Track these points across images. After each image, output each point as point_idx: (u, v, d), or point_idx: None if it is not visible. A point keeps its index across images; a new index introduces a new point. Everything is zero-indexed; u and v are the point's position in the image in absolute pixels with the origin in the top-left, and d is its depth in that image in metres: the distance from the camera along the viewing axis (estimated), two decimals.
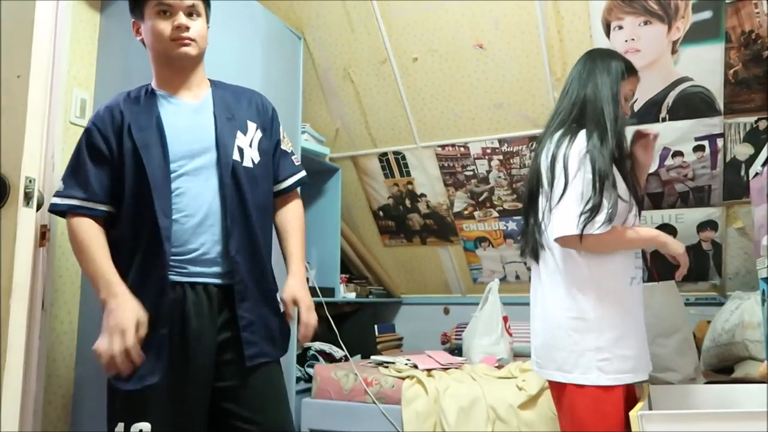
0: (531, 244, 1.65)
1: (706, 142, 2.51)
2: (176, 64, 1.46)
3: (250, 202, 1.45)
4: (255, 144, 1.52)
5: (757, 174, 2.08)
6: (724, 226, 2.68)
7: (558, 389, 1.60)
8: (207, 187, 1.42)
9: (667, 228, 2.79)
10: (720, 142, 2.48)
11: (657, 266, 2.77)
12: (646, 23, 2.32)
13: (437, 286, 3.47)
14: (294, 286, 1.48)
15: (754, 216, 2.26)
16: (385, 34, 2.69)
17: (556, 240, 1.53)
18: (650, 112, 2.50)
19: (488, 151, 2.89)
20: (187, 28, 1.42)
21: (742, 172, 2.52)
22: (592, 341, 1.52)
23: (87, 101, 2.15)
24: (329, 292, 2.93)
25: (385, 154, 3.10)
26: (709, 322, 2.46)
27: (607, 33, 2.38)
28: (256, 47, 2.40)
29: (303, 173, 1.65)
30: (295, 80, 2.68)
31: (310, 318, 1.48)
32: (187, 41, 1.42)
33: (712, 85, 2.37)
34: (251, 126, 1.53)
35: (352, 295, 3.16)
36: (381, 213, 3.34)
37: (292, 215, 1.60)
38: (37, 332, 1.64)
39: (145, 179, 1.35)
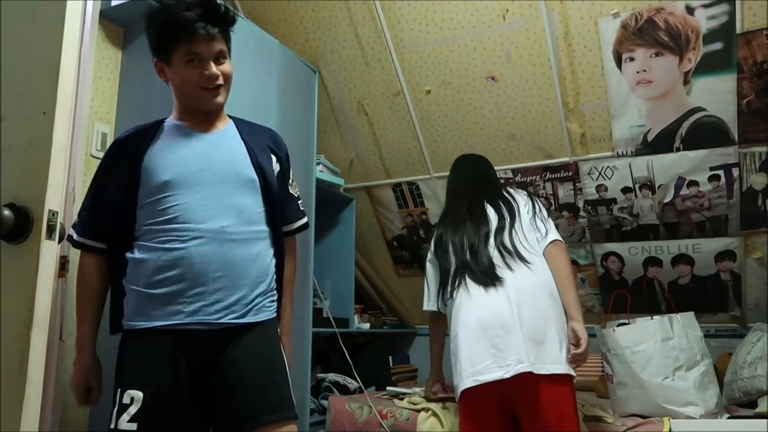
0: (484, 269, 1.85)
1: (721, 172, 2.50)
2: (205, 111, 1.49)
3: None
4: (275, 173, 1.56)
5: None
6: (743, 257, 2.65)
7: (554, 385, 1.69)
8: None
9: (685, 258, 2.76)
10: (736, 172, 2.47)
11: (675, 297, 2.74)
12: (657, 54, 2.34)
13: None
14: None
15: None
16: (398, 67, 2.73)
17: (558, 242, 1.88)
18: (664, 142, 2.50)
19: (502, 181, 2.90)
20: (217, 77, 1.43)
21: (759, 202, 2.50)
22: (564, 335, 1.76)
23: (108, 135, 2.21)
24: (344, 322, 2.92)
25: (398, 184, 3.12)
26: (730, 354, 2.41)
27: (619, 64, 2.40)
28: (272, 81, 2.45)
29: (306, 219, 1.69)
30: (310, 113, 2.73)
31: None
32: (217, 91, 1.45)
33: (726, 115, 2.37)
34: (273, 157, 1.57)
35: (366, 326, 3.14)
36: (395, 243, 3.34)
37: (288, 267, 1.62)
38: (55, 363, 1.65)
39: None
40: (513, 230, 1.90)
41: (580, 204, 2.81)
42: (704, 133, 2.42)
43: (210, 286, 1.36)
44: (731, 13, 2.19)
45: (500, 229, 1.91)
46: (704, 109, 2.39)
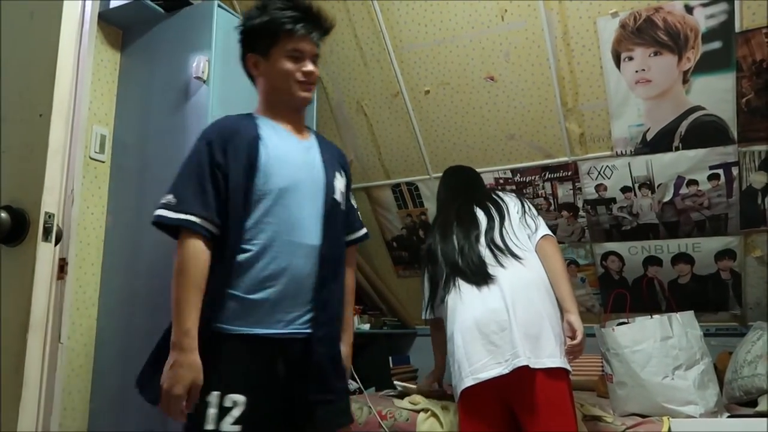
0: (474, 268, 1.86)
1: (721, 171, 2.49)
2: (294, 105, 1.53)
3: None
4: (343, 189, 1.60)
5: None
6: (743, 255, 2.65)
7: (551, 379, 1.69)
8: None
9: (685, 257, 2.75)
10: (735, 171, 2.47)
11: (675, 297, 2.73)
12: (656, 54, 2.34)
13: None
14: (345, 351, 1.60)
15: None
16: (397, 67, 2.73)
17: (549, 236, 1.91)
18: (663, 141, 2.49)
19: (501, 181, 2.90)
20: (313, 74, 1.50)
21: (759, 201, 2.50)
22: (559, 329, 1.77)
23: (106, 137, 2.21)
24: None
25: (398, 185, 3.12)
26: (730, 353, 2.41)
27: (617, 64, 2.40)
28: None
29: (365, 229, 1.76)
30: (309, 113, 2.72)
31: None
32: (311, 87, 1.52)
33: (725, 114, 2.36)
34: (339, 174, 1.60)
35: (366, 327, 3.14)
36: (394, 244, 3.34)
37: (351, 278, 1.68)
38: (54, 366, 1.65)
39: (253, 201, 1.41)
40: (503, 228, 1.92)
41: (580, 204, 2.81)
42: (703, 132, 2.42)
43: (306, 297, 1.43)
44: (730, 12, 2.19)
45: (490, 229, 1.93)
46: (703, 108, 2.38)
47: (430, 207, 3.12)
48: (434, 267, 1.99)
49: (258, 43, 1.50)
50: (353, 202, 1.72)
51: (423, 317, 2.15)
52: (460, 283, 1.86)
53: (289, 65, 1.47)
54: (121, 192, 2.21)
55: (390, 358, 3.21)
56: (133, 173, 2.20)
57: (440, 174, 2.97)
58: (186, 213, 1.36)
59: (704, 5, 2.21)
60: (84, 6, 1.98)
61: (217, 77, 2.13)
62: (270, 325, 1.38)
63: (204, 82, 2.10)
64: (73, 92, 1.54)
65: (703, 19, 2.23)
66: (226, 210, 1.38)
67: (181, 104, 2.15)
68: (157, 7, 2.22)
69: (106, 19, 2.23)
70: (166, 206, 1.37)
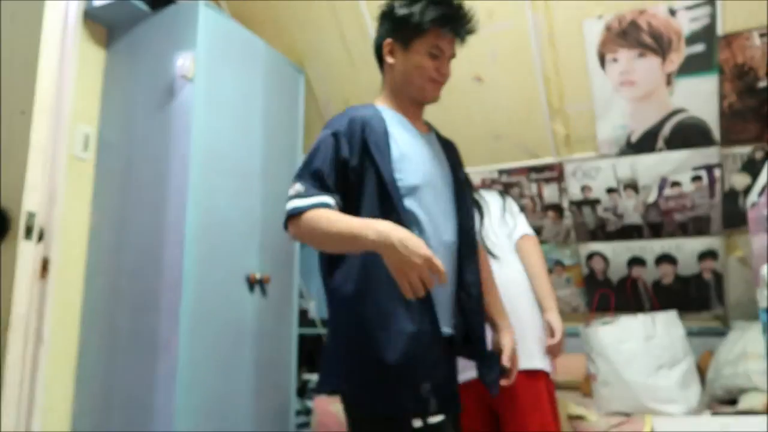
0: None
1: (703, 172, 2.52)
2: (420, 100, 1.51)
3: None
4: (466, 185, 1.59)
5: (754, 204, 2.09)
6: (725, 256, 2.68)
7: (529, 380, 1.70)
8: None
9: (668, 258, 2.78)
10: (718, 172, 2.50)
11: (659, 297, 2.76)
12: (640, 56, 2.36)
13: None
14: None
15: (752, 245, 2.27)
16: None
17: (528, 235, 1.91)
18: (647, 142, 2.52)
19: (488, 181, 2.91)
20: (447, 75, 1.48)
21: (740, 202, 2.53)
22: (539, 329, 1.78)
23: (90, 136, 2.19)
24: None
25: None
26: (712, 352, 2.44)
27: (602, 65, 2.42)
28: (257, 81, 2.45)
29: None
30: (296, 113, 2.72)
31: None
32: (441, 86, 1.49)
33: (708, 116, 2.39)
34: (460, 168, 1.59)
35: None
36: None
37: (485, 268, 1.65)
38: (36, 365, 1.64)
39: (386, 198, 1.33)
40: (482, 228, 1.91)
41: (565, 204, 2.82)
42: (687, 134, 2.45)
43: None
44: (713, 16, 2.21)
45: None
46: (686, 110, 2.41)
47: None
48: None
49: (401, 31, 1.45)
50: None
51: None
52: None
53: (427, 62, 1.44)
54: (105, 191, 2.19)
55: None
56: (117, 172, 2.18)
57: None
58: (319, 196, 1.30)
59: (687, 8, 2.23)
60: (68, 4, 1.97)
61: (202, 76, 2.12)
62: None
63: (189, 80, 2.09)
64: (56, 90, 1.53)
65: (686, 22, 2.26)
66: (356, 207, 1.33)
67: (166, 103, 2.13)
68: (142, 5, 2.21)
69: (91, 16, 2.21)
70: (297, 196, 1.32)
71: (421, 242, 1.17)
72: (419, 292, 1.15)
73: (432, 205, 1.40)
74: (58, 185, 1.79)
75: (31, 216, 1.06)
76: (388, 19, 1.47)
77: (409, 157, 1.40)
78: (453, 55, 1.49)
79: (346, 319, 1.32)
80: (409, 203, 1.35)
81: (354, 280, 1.31)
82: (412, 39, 1.43)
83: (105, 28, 2.29)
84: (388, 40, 1.46)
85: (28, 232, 1.05)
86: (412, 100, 1.49)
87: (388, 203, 1.32)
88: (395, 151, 1.38)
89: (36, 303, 1.64)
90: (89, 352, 2.07)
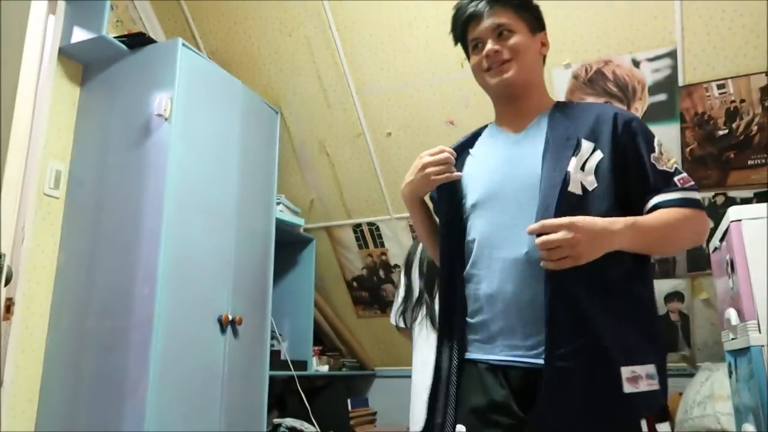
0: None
1: None
2: (500, 94, 1.34)
3: None
4: (589, 167, 1.21)
5: (716, 248, 2.16)
6: (691, 297, 2.74)
7: None
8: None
9: None
10: None
11: None
12: (606, 104, 2.45)
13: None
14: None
15: (716, 288, 2.33)
16: (359, 109, 2.78)
17: None
18: None
19: None
20: (496, 53, 1.28)
21: (704, 245, 2.61)
22: None
23: (62, 172, 2.16)
24: (302, 365, 2.87)
25: (359, 225, 3.13)
26: (680, 393, 2.47)
27: None
28: (235, 120, 2.46)
29: (687, 194, 1.26)
30: (271, 152, 2.74)
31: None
32: (499, 68, 1.29)
33: None
34: (586, 146, 1.23)
35: (325, 368, 3.10)
36: (355, 284, 3.33)
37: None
38: None
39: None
40: None
41: None
42: None
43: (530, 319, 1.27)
44: (674, 67, 2.33)
45: None
46: None
47: (391, 247, 3.13)
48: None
49: (464, 49, 1.39)
50: (662, 165, 1.27)
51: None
52: (428, 323, 1.92)
53: (474, 59, 1.34)
54: (74, 229, 2.15)
55: (348, 400, 3.16)
56: (88, 210, 2.15)
57: (401, 215, 3.01)
58: None
59: (650, 60, 2.34)
60: (43, 40, 1.96)
61: (179, 115, 2.12)
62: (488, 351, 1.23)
63: (166, 119, 2.09)
64: (28, 125, 1.52)
65: (649, 73, 2.37)
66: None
67: (141, 141, 2.13)
68: (120, 44, 2.22)
69: (66, 53, 2.20)
70: None
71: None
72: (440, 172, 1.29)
73: (495, 218, 1.25)
74: (27, 223, 1.76)
75: (0, 258, 1.03)
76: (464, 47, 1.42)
77: (474, 175, 1.33)
78: (498, 26, 1.28)
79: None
80: (470, 224, 1.30)
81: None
82: (465, 47, 1.38)
83: (80, 64, 2.29)
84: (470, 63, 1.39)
85: None
86: (498, 101, 1.39)
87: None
88: (465, 170, 1.36)
89: None
90: (51, 396, 1.99)
